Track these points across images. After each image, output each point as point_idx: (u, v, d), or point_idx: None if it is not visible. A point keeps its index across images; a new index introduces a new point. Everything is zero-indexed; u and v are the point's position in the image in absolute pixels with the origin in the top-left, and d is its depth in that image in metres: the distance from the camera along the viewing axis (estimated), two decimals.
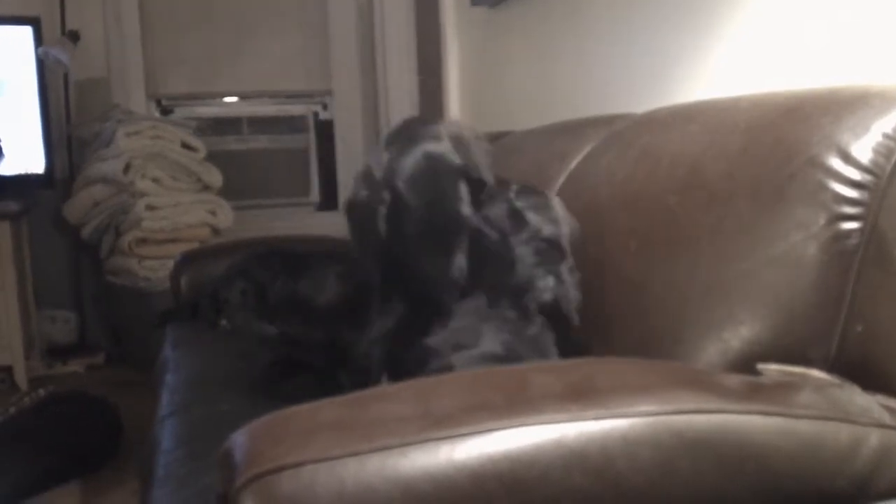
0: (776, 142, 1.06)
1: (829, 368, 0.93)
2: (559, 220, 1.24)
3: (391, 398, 0.78)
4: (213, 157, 3.64)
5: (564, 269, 1.20)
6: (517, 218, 1.22)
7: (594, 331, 1.24)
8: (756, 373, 0.92)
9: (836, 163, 0.97)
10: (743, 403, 0.78)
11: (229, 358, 1.85)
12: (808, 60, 1.48)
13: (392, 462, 0.68)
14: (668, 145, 1.27)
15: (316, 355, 1.60)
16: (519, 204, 1.23)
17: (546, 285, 1.18)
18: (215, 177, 3.59)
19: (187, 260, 2.52)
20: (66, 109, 3.69)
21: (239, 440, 0.72)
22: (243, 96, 4.26)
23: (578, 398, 0.76)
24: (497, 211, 1.22)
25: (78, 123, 3.68)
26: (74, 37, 3.56)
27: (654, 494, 0.73)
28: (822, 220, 0.96)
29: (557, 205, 1.27)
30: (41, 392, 2.58)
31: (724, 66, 1.71)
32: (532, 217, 1.23)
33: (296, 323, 1.72)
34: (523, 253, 1.20)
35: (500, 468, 0.69)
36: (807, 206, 0.98)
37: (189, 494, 1.13)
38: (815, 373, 0.91)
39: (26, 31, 3.47)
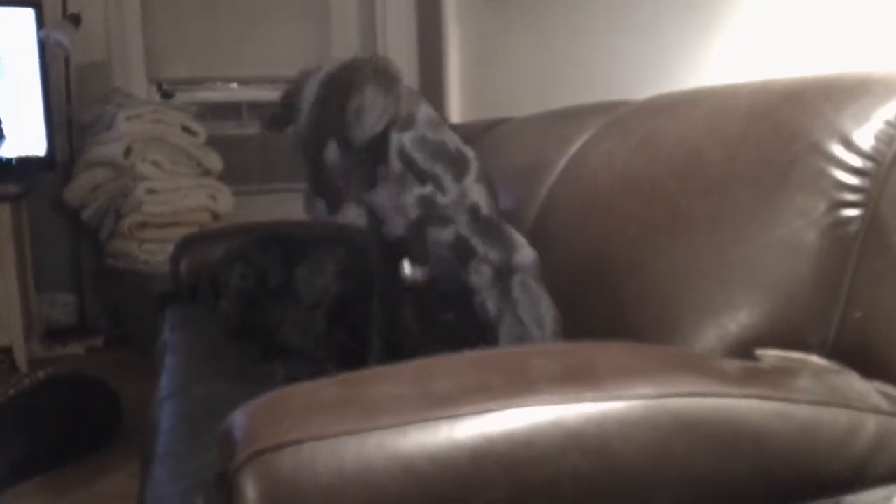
0: (777, 128, 1.06)
1: (828, 354, 0.93)
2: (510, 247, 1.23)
3: (390, 378, 0.79)
4: (213, 142, 3.63)
5: (515, 282, 1.20)
6: (464, 246, 1.21)
7: (592, 316, 1.25)
8: (754, 358, 0.93)
9: (837, 149, 0.97)
10: (741, 388, 0.78)
11: (228, 341, 1.86)
12: (809, 50, 1.48)
13: (392, 440, 0.68)
14: (669, 131, 1.26)
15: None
16: (465, 232, 1.21)
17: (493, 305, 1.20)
18: (215, 161, 3.59)
19: (187, 244, 2.51)
20: (67, 92, 3.68)
21: (238, 419, 0.72)
22: (244, 82, 4.25)
23: (577, 381, 0.76)
24: (443, 237, 1.21)
25: (79, 106, 3.67)
26: (76, 20, 3.55)
27: (651, 475, 0.73)
28: (822, 207, 0.96)
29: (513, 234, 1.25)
30: (41, 374, 2.58)
31: (726, 54, 1.71)
32: (478, 245, 1.21)
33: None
34: (481, 284, 1.20)
35: (498, 448, 0.70)
36: (807, 192, 0.98)
37: (188, 470, 1.14)
38: (814, 358, 0.91)
39: (28, 14, 3.46)
